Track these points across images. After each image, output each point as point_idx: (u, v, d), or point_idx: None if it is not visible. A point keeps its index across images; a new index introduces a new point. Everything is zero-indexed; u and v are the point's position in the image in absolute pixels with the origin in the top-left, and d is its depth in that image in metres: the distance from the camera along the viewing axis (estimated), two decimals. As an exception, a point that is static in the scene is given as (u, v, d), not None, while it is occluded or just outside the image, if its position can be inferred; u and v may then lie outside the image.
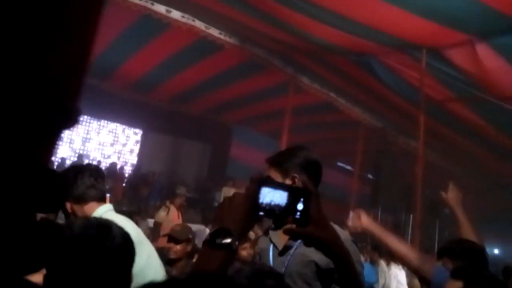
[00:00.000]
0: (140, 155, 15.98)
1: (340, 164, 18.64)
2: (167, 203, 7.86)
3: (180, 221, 6.87)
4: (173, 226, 5.48)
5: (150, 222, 9.04)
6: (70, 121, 0.66)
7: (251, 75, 11.59)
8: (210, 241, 0.96)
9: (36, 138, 0.62)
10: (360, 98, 11.98)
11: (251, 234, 8.37)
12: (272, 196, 1.00)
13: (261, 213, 1.00)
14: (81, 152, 14.72)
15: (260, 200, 1.00)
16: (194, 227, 10.66)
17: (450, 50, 7.85)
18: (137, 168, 15.53)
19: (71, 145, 14.69)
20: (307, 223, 1.00)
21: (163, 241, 6.56)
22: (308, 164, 2.03)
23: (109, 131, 15.52)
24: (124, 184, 13.95)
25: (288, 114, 11.72)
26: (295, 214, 1.00)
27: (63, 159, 13.57)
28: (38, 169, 0.63)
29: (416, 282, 7.43)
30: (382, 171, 12.41)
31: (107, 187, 10.16)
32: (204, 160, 16.76)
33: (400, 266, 6.96)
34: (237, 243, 0.97)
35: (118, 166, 14.63)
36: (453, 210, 2.89)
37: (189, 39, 10.06)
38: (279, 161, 2.03)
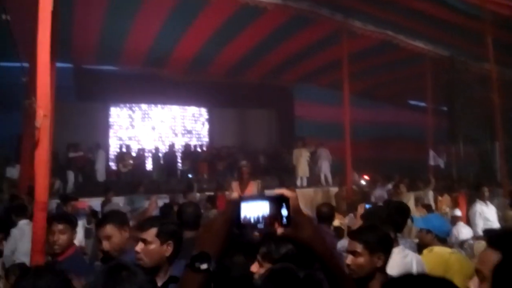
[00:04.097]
0: (210, 132, 16.43)
1: (411, 102, 17.86)
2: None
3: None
4: None
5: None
6: None
7: (300, 31, 11.27)
8: (191, 265, 1.07)
9: None
10: (421, 30, 11.20)
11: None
12: (255, 210, 1.07)
13: (244, 224, 1.07)
14: (157, 138, 15.49)
15: (244, 217, 1.07)
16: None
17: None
18: (209, 145, 16.02)
19: (148, 133, 15.49)
20: (289, 225, 1.08)
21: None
22: None
23: (175, 115, 16.08)
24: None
25: (345, 62, 11.29)
26: (282, 219, 1.07)
27: (142, 151, 14.32)
28: None
29: (511, 213, 6.95)
30: (457, 101, 11.63)
31: (185, 168, 10.64)
32: (271, 126, 16.85)
33: (487, 202, 6.51)
34: (214, 265, 1.07)
35: (192, 146, 15.20)
36: None
37: (232, 8, 9.98)
38: None
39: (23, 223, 5.32)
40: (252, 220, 1.07)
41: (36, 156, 3.38)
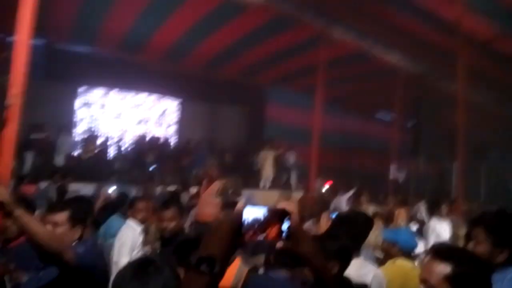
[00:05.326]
0: (179, 125, 16.25)
1: (379, 115, 18.31)
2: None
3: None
4: None
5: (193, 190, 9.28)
6: None
7: (280, 33, 11.33)
8: (196, 266, 1.08)
9: None
10: (398, 44, 11.47)
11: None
12: (256, 217, 1.13)
13: (246, 232, 1.12)
14: (123, 126, 15.19)
15: (245, 222, 1.11)
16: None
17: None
18: (177, 138, 15.85)
19: (114, 120, 15.15)
20: (289, 239, 1.13)
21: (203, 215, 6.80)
22: None
23: (146, 103, 15.82)
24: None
25: (322, 68, 11.44)
26: (282, 233, 1.13)
27: (106, 138, 14.00)
28: None
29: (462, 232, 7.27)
30: (423, 119, 12.03)
31: (149, 160, 10.40)
32: (242, 124, 16.83)
33: (441, 220, 6.77)
34: (219, 268, 1.08)
35: (159, 138, 14.98)
36: None
37: (213, 3, 9.93)
38: None
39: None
40: (252, 228, 1.12)
41: (5, 136, 3.26)
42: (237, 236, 1.12)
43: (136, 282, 1.37)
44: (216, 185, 7.55)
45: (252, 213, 1.12)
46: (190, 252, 2.14)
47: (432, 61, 11.76)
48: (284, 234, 1.12)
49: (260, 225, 1.12)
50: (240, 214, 1.12)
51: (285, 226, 1.12)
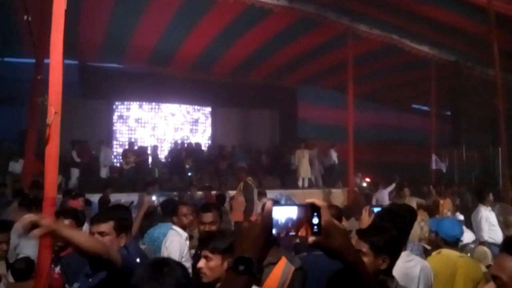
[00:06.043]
0: (213, 131, 16.46)
1: (415, 106, 17.88)
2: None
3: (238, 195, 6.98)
4: None
5: (232, 193, 9.40)
6: None
7: (306, 33, 11.31)
8: (234, 268, 1.13)
9: None
10: (426, 35, 11.22)
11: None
12: (286, 214, 1.13)
13: (277, 231, 1.12)
14: (158, 136, 15.56)
15: (275, 221, 1.12)
16: (274, 193, 10.85)
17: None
18: (212, 144, 16.05)
19: (151, 130, 15.55)
20: (320, 234, 1.12)
21: (235, 215, 6.86)
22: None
23: (179, 113, 16.12)
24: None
25: (350, 64, 11.34)
26: (313, 228, 1.11)
27: (145, 148, 14.35)
28: None
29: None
30: (461, 106, 11.65)
31: (187, 166, 10.54)
32: (274, 126, 16.89)
33: (489, 208, 6.56)
34: (256, 268, 1.13)
35: (194, 145, 15.22)
36: None
37: (238, 9, 10.01)
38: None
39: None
40: (283, 226, 1.12)
41: (46, 153, 3.43)
42: (268, 236, 1.14)
43: (154, 282, 1.49)
44: (240, 185, 7.64)
45: (284, 211, 1.13)
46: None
47: (465, 48, 11.39)
48: (314, 229, 1.11)
49: (291, 223, 1.12)
50: (269, 214, 1.13)
51: (315, 220, 1.11)
